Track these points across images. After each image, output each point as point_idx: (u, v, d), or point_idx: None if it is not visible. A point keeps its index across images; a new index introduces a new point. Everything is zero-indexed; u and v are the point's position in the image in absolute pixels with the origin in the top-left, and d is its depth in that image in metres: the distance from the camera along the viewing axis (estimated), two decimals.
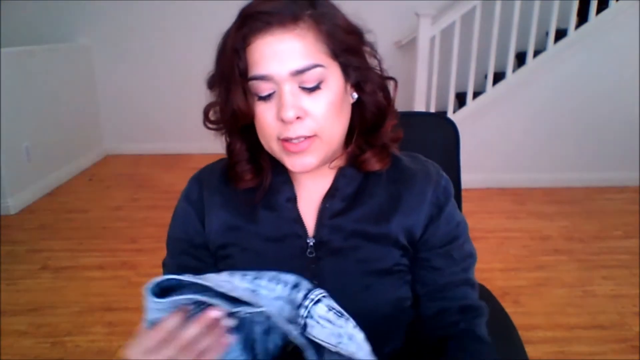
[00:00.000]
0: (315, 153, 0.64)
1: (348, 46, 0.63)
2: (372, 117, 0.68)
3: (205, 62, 0.67)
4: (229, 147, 0.71)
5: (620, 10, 3.01)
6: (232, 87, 0.62)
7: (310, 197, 0.72)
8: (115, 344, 1.77)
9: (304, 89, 0.61)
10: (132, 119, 4.15)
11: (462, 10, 3.00)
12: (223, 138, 0.71)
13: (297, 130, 0.61)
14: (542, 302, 2.01)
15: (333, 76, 0.63)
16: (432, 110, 3.16)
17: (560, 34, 3.09)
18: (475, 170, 3.08)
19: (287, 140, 0.62)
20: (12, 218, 2.90)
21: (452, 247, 0.72)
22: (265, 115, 0.63)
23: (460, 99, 3.41)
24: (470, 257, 0.74)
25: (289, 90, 0.60)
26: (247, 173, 0.70)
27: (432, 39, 3.03)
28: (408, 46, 3.65)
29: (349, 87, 0.66)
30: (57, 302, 2.04)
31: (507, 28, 3.05)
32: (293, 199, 0.71)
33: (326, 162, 0.68)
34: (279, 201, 0.71)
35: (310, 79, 0.61)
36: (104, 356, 1.72)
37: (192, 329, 0.54)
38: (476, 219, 2.71)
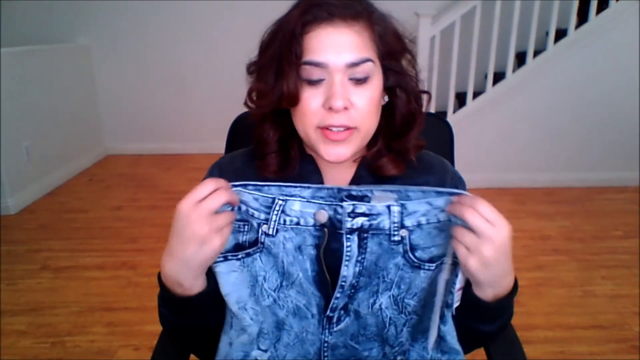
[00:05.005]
0: (351, 144, 0.68)
1: (393, 51, 0.69)
2: (401, 122, 0.72)
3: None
4: (260, 135, 0.73)
5: (620, 10, 3.01)
6: (285, 70, 0.65)
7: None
8: (115, 344, 1.77)
9: (354, 81, 0.65)
10: (132, 119, 4.15)
11: (462, 10, 3.00)
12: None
13: (341, 119, 0.65)
14: (542, 302, 2.01)
15: (377, 75, 0.67)
16: (432, 110, 3.14)
17: (560, 34, 3.09)
18: (475, 170, 3.08)
19: (327, 128, 0.65)
20: (12, 218, 2.90)
21: None
22: (311, 102, 0.65)
23: (460, 99, 3.40)
24: None
25: (340, 80, 0.64)
26: (274, 163, 0.73)
27: (432, 39, 3.02)
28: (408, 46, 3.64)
29: (382, 90, 0.70)
30: (57, 302, 2.03)
31: (507, 28, 3.05)
32: None
33: (355, 155, 0.72)
34: None
35: (361, 72, 0.65)
36: (104, 356, 1.72)
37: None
38: None
